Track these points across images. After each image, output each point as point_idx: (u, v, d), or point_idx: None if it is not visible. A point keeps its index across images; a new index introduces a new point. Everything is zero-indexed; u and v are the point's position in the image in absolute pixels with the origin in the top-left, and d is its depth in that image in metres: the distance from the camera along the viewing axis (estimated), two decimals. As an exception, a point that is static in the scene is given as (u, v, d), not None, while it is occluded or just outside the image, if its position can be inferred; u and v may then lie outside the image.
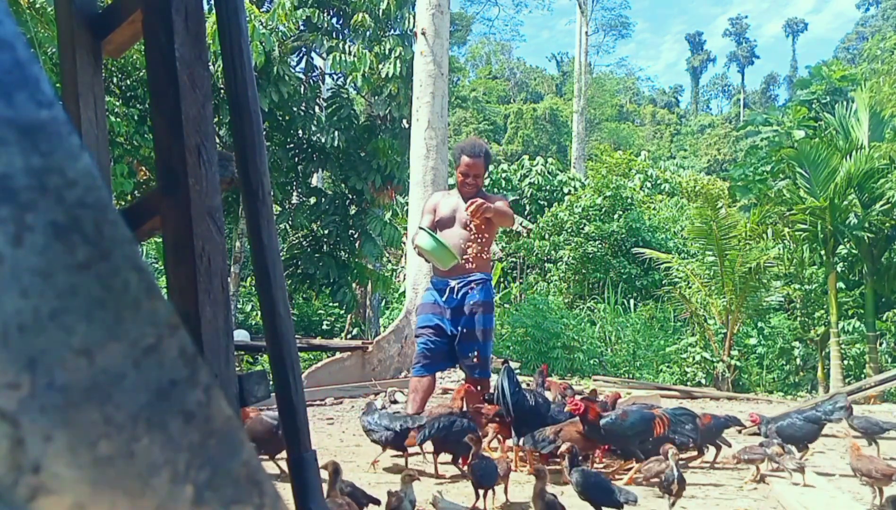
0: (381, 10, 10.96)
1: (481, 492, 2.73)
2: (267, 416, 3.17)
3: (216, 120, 8.85)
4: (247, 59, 1.54)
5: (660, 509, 2.83)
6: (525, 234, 15.01)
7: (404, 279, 11.09)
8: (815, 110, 14.52)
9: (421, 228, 4.17)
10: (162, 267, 3.39)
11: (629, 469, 3.37)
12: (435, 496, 2.67)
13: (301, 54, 12.29)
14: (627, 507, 2.46)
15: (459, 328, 4.19)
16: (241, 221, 10.42)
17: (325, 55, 11.57)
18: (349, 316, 13.21)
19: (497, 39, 43.67)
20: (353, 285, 12.22)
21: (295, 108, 11.12)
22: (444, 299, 4.22)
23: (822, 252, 10.34)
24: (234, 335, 1.88)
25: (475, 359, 4.17)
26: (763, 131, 15.34)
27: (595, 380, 8.91)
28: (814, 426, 3.69)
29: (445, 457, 3.46)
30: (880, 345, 10.47)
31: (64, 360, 0.44)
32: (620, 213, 13.80)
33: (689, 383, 9.29)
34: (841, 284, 10.62)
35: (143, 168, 9.43)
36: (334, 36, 11.60)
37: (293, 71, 11.02)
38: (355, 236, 12.21)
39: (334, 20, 11.89)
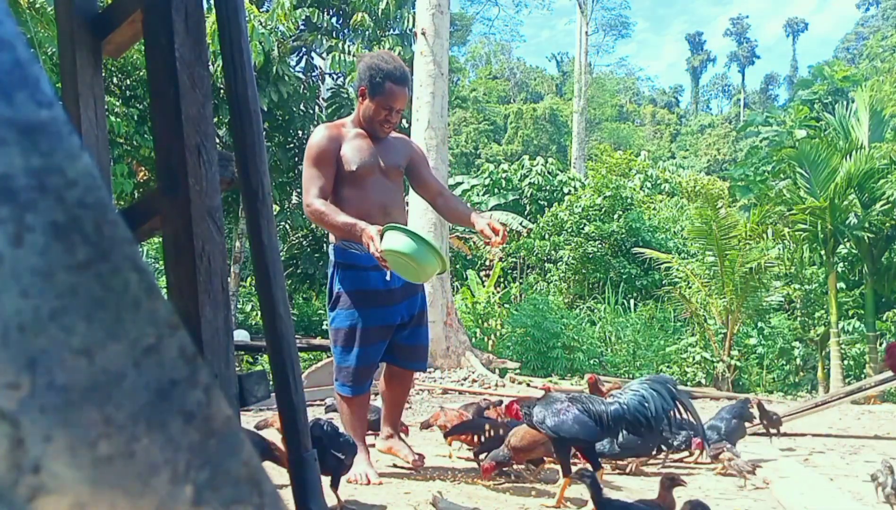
0: (380, 10, 10.98)
1: None
2: None
3: (216, 120, 8.85)
4: (247, 59, 1.54)
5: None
6: (525, 234, 15.01)
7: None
8: (816, 110, 14.55)
9: (395, 227, 2.78)
10: (162, 267, 3.38)
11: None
12: (435, 496, 2.67)
13: (301, 54, 12.31)
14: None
15: (416, 312, 3.18)
16: (241, 221, 10.42)
17: (324, 55, 11.59)
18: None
19: (497, 39, 43.70)
20: (353, 285, 12.23)
21: (295, 108, 11.13)
22: (388, 277, 2.97)
23: (822, 252, 10.35)
24: (234, 335, 1.88)
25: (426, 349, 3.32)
26: (763, 131, 15.38)
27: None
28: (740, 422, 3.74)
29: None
30: (880, 345, 10.47)
31: (64, 360, 0.44)
32: (620, 213, 13.81)
33: (689, 383, 9.29)
34: (841, 284, 10.63)
35: (143, 168, 9.44)
36: (334, 36, 11.62)
37: (293, 71, 11.03)
38: (355, 236, 12.21)
39: (334, 20, 11.91)
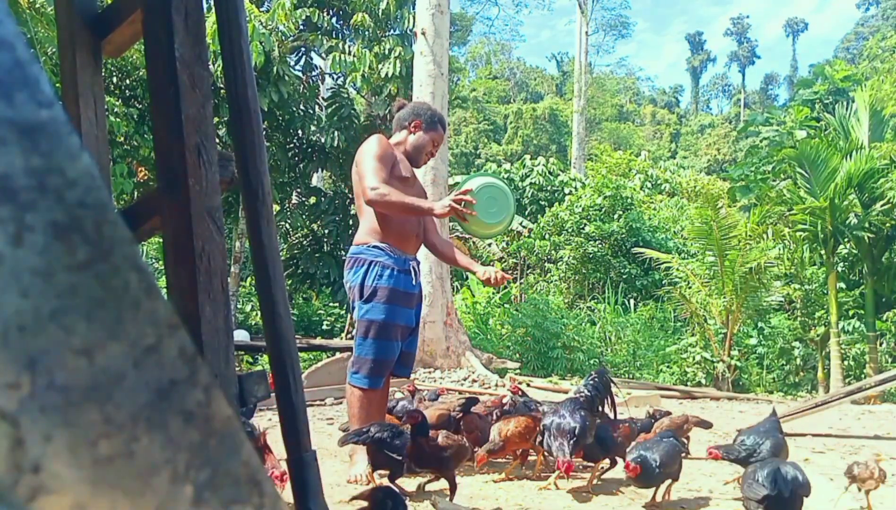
0: (380, 10, 10.97)
1: None
2: None
3: (216, 120, 8.85)
4: (247, 59, 1.54)
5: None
6: (525, 234, 15.02)
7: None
8: (817, 110, 14.54)
9: (488, 174, 3.20)
10: (162, 267, 3.37)
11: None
12: (434, 496, 2.67)
13: (301, 54, 12.30)
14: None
15: (419, 319, 3.56)
16: (241, 221, 10.42)
17: (324, 55, 11.58)
18: (349, 316, 13.21)
19: (497, 39, 43.71)
20: (354, 285, 12.22)
21: (295, 108, 11.13)
22: (413, 283, 3.39)
23: (822, 252, 10.35)
24: (234, 335, 1.88)
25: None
26: (763, 131, 15.36)
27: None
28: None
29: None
30: (880, 345, 10.48)
31: (64, 360, 0.44)
32: (621, 212, 13.81)
33: (689, 383, 9.29)
34: (841, 284, 10.63)
35: (143, 168, 9.44)
36: (334, 36, 11.62)
37: (293, 71, 11.03)
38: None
39: (334, 20, 11.90)
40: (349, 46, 10.83)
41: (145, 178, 9.59)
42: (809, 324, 10.92)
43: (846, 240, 10.11)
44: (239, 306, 12.46)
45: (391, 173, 3.31)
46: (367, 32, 11.08)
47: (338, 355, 7.97)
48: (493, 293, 12.86)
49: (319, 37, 11.14)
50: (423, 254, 3.87)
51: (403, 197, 3.18)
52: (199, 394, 0.50)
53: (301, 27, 11.15)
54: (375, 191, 3.17)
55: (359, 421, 3.23)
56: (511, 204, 3.37)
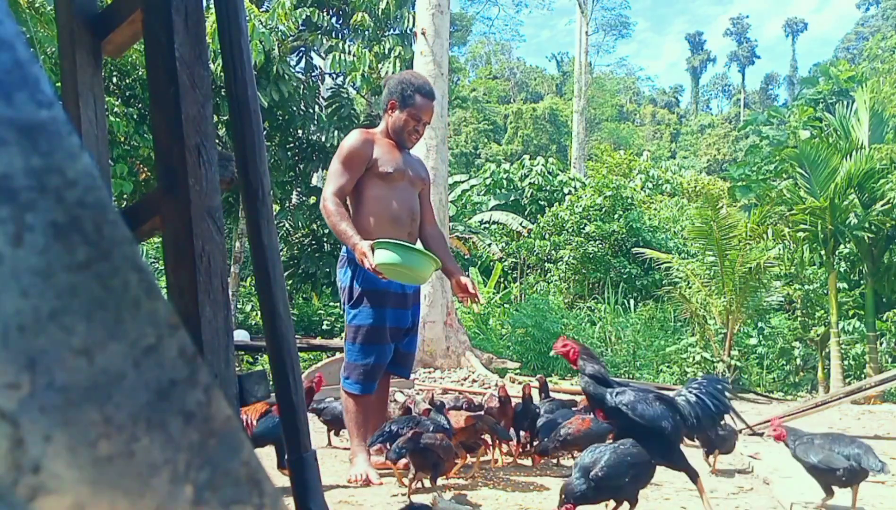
0: (380, 10, 10.97)
1: None
2: None
3: (216, 120, 8.85)
4: (247, 59, 1.54)
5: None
6: (525, 234, 15.01)
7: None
8: (820, 110, 14.55)
9: (383, 242, 2.94)
10: (162, 267, 3.38)
11: None
12: (434, 496, 2.67)
13: (300, 54, 12.30)
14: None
15: (417, 319, 3.38)
16: (241, 221, 10.42)
17: (324, 55, 11.58)
18: (349, 316, 13.19)
19: (497, 39, 43.75)
20: (354, 285, 12.21)
21: (294, 108, 11.12)
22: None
23: (823, 252, 10.35)
24: (234, 335, 1.88)
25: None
26: (765, 131, 15.36)
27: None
28: None
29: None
30: (880, 345, 10.47)
31: (64, 360, 0.44)
32: (621, 212, 13.81)
33: (689, 383, 9.27)
34: (841, 284, 10.63)
35: (144, 168, 9.43)
36: (334, 35, 11.61)
37: (293, 70, 11.02)
38: (356, 236, 12.22)
39: (334, 20, 11.89)
40: (349, 46, 10.82)
41: (145, 178, 9.59)
42: (809, 324, 10.92)
43: (846, 240, 10.11)
44: (239, 306, 12.45)
45: (370, 172, 3.14)
46: (366, 32, 11.08)
47: (338, 355, 7.97)
48: (493, 293, 12.86)
49: (319, 36, 11.14)
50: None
51: (339, 222, 3.02)
52: (199, 394, 0.50)
53: (301, 27, 11.14)
54: (323, 202, 3.11)
55: (355, 426, 3.19)
56: (419, 273, 2.98)
